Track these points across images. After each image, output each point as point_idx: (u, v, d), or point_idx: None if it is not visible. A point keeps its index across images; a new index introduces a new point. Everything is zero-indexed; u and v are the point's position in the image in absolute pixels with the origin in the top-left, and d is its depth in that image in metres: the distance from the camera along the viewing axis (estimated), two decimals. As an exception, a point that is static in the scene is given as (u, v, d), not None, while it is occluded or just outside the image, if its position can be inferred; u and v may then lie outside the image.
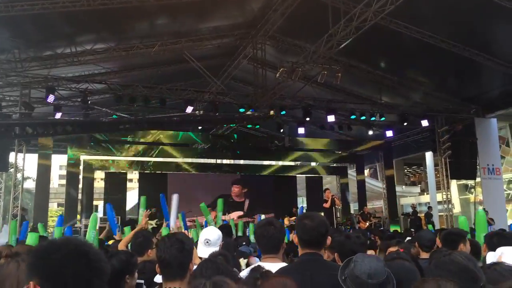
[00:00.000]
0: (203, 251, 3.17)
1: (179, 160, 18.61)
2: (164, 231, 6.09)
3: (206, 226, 7.74)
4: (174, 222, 6.47)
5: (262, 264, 2.77)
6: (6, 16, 9.02)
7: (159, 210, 10.74)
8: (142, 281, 2.93)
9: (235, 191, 18.71)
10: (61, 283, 1.20)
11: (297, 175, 20.52)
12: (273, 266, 2.67)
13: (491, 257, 3.18)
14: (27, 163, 14.66)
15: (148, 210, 5.19)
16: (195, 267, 2.55)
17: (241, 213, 17.89)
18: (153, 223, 11.58)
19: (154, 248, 4.05)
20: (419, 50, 12.23)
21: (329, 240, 2.75)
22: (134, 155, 17.66)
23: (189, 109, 13.75)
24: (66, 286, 1.20)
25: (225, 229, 6.01)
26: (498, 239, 3.68)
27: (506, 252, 2.95)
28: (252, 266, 2.67)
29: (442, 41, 11.57)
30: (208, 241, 3.35)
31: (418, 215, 18.31)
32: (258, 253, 5.54)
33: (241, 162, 21.06)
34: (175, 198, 7.16)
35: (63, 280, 1.20)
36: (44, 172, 15.13)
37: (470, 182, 21.27)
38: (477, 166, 15.33)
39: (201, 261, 2.73)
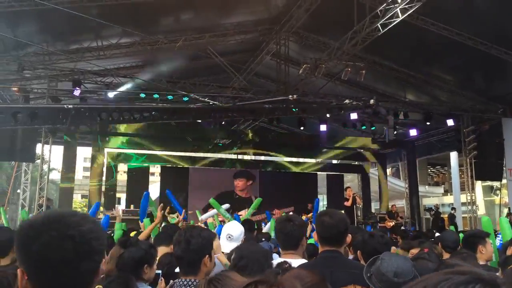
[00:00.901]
0: (225, 246, 3.19)
1: (200, 154, 18.74)
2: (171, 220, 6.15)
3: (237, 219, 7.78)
4: (205, 217, 6.57)
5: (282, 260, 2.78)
6: (35, 10, 9.22)
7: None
8: (160, 272, 2.97)
9: (239, 185, 18.29)
10: (45, 271, 1.12)
11: (318, 173, 20.45)
12: (293, 262, 2.67)
13: None
14: (52, 155, 15.00)
15: (162, 204, 5.23)
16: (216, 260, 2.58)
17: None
18: (174, 216, 11.69)
19: None
20: (446, 48, 11.99)
21: (349, 238, 2.73)
22: (156, 149, 17.86)
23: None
24: (51, 274, 1.12)
25: (247, 224, 6.03)
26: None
27: None
28: (278, 262, 2.68)
29: (470, 38, 11.32)
30: (230, 236, 3.37)
31: (441, 216, 18.00)
32: (278, 249, 5.54)
33: (262, 158, 21.05)
34: (225, 206, 7.36)
35: (47, 268, 1.12)
36: (69, 164, 15.46)
37: (496, 184, 20.83)
38: (504, 168, 15.00)
39: (241, 244, 2.76)
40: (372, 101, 11.61)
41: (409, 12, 9.00)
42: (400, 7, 8.77)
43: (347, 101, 12.16)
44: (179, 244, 2.40)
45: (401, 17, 9.07)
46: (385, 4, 9.02)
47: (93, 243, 1.17)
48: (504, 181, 15.38)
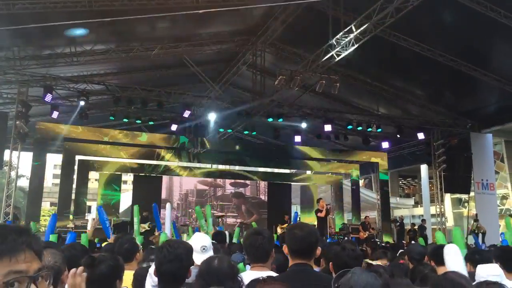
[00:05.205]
0: (200, 258, 3.14)
1: (174, 163, 18.53)
2: (163, 237, 6.06)
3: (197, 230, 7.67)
4: (168, 231, 6.47)
5: (251, 272, 2.76)
6: (7, 14, 9.03)
7: (150, 213, 10.71)
8: None
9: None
10: None
11: (292, 183, 20.51)
12: (262, 274, 2.66)
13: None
14: (21, 161, 14.56)
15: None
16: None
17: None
18: (145, 226, 11.54)
19: (142, 250, 4.02)
20: (417, 63, 12.31)
21: (318, 250, 2.75)
22: (129, 157, 17.59)
23: (187, 113, 13.74)
24: None
25: (219, 235, 6.01)
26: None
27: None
28: (248, 275, 2.66)
29: (440, 55, 11.65)
30: (204, 248, 3.32)
31: (411, 227, 18.22)
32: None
33: (237, 168, 20.99)
34: (168, 207, 7.20)
35: None
36: (38, 171, 15.04)
37: (464, 196, 21.32)
38: (472, 181, 15.39)
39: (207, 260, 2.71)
40: None
41: (381, 28, 9.21)
42: (374, 22, 8.97)
43: None
44: (171, 262, 2.41)
45: (374, 32, 9.27)
46: (359, 19, 9.21)
47: None
48: (472, 193, 15.77)
